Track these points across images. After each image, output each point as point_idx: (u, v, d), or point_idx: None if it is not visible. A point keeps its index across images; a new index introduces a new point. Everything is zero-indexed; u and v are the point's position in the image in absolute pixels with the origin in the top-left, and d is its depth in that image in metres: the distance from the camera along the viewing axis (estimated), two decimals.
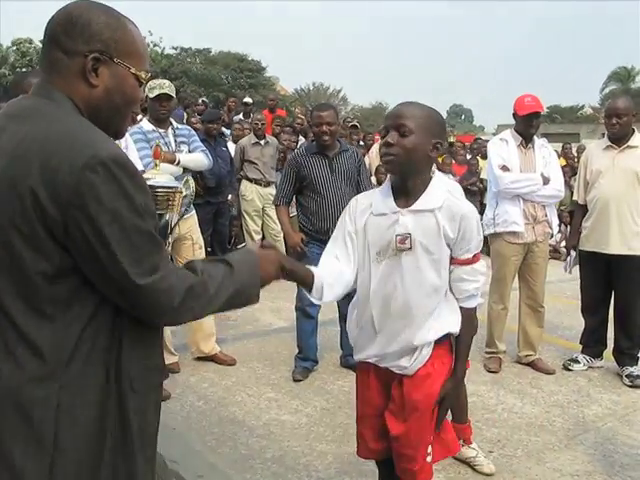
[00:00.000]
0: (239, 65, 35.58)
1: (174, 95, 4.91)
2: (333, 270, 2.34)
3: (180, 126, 5.17)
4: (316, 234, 4.66)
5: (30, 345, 1.44)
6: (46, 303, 1.45)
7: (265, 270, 1.85)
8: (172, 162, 4.72)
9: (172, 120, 5.06)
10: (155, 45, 35.38)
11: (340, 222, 2.45)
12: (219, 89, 33.27)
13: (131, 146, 4.36)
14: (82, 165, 1.39)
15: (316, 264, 4.75)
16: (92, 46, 1.55)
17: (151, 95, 4.77)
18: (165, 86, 4.78)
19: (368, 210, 2.34)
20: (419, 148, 2.21)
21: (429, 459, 2.37)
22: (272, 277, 1.94)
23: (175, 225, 2.02)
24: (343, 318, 4.89)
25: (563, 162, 11.82)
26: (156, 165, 2.06)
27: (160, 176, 1.99)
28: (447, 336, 2.36)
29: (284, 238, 7.29)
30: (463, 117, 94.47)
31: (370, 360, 2.41)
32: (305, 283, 2.24)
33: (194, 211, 5.02)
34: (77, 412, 1.46)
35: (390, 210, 2.29)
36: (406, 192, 2.29)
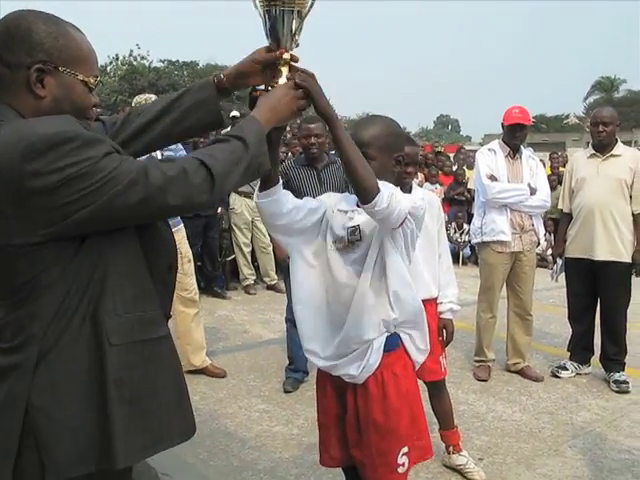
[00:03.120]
0: None
1: None
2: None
3: None
4: None
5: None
6: (18, 276, 1.48)
7: (275, 117, 1.82)
8: None
9: None
10: (143, 58, 35.42)
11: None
12: None
13: None
14: (20, 160, 1.37)
15: None
16: (34, 57, 1.51)
17: None
18: (151, 101, 4.83)
19: (335, 206, 2.42)
20: (383, 170, 2.26)
21: (401, 470, 2.35)
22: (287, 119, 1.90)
23: (298, 28, 1.94)
24: None
25: (549, 171, 11.93)
26: None
27: None
28: (396, 344, 2.36)
29: (274, 251, 7.34)
30: (450, 127, 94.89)
31: (323, 366, 2.41)
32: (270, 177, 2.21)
33: (182, 225, 5.05)
34: (54, 366, 1.49)
35: (350, 208, 2.37)
36: (370, 200, 2.33)
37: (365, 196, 2.07)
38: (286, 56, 1.93)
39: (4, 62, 1.51)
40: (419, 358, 2.46)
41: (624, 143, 5.18)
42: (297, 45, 1.98)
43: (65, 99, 1.56)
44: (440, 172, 11.69)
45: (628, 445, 3.99)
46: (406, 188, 3.19)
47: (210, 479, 3.56)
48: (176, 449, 1.75)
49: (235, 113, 11.56)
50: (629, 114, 42.54)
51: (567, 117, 53.89)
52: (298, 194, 4.69)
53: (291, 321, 4.87)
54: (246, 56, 1.95)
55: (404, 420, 2.36)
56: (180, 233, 4.98)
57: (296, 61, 1.95)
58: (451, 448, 3.68)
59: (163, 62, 36.64)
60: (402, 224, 2.19)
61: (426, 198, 3.44)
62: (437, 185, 11.02)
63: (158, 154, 4.89)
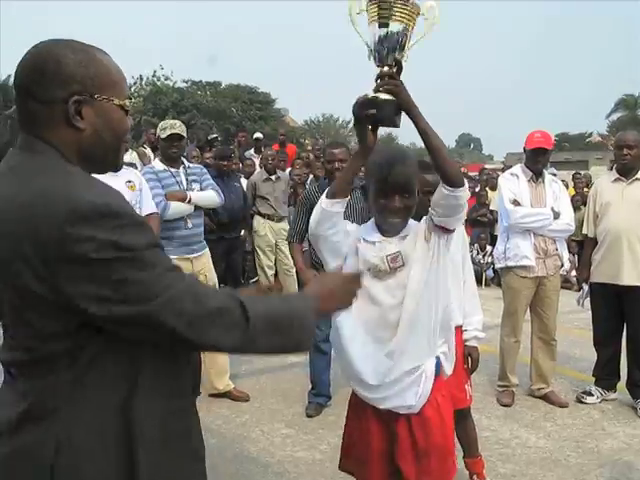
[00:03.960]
0: (249, 97, 35.97)
1: (185, 135, 5.02)
2: None
3: (192, 165, 5.28)
4: None
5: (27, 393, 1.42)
6: (48, 358, 1.40)
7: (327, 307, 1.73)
8: (183, 200, 4.81)
9: (184, 159, 5.16)
10: (167, 78, 35.84)
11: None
12: (230, 121, 33.59)
13: (145, 187, 4.45)
14: (63, 221, 1.30)
15: None
16: (69, 90, 1.44)
17: (163, 135, 4.87)
18: (176, 126, 4.89)
19: (359, 235, 2.46)
20: (420, 205, 2.42)
21: None
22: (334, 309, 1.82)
23: (406, 41, 2.09)
24: None
25: (572, 192, 11.86)
26: None
27: None
28: (439, 366, 2.43)
29: (297, 273, 7.34)
30: (472, 146, 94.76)
31: (372, 398, 2.41)
32: None
33: (207, 248, 5.09)
34: (77, 459, 1.39)
35: (378, 239, 2.42)
36: (393, 232, 2.42)
37: (455, 180, 2.19)
38: (386, 70, 2.10)
39: (38, 99, 1.45)
40: (450, 371, 2.52)
41: None
42: (405, 60, 2.13)
43: (105, 128, 1.51)
44: None
45: None
46: None
47: None
48: None
49: (259, 135, 11.69)
50: None
51: (590, 135, 53.54)
52: None
53: (314, 345, 4.86)
54: None
55: (453, 437, 2.50)
56: (205, 257, 5.03)
57: (396, 76, 2.10)
58: (475, 476, 3.66)
59: (186, 82, 37.05)
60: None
61: None
62: None
63: (183, 179, 4.96)
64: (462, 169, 15.10)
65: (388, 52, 2.08)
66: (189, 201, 4.85)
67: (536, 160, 5.01)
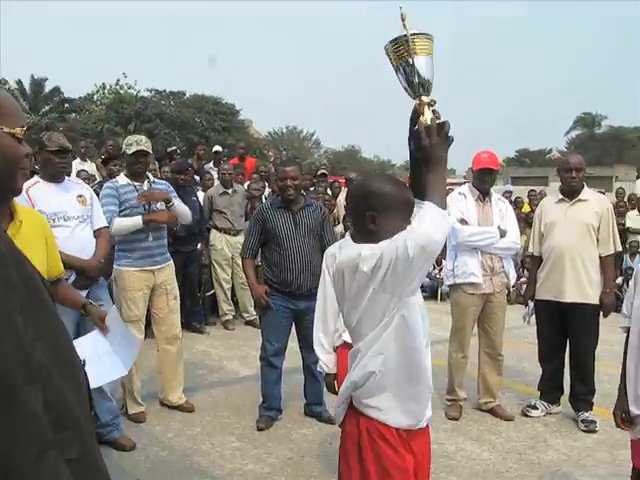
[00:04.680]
0: (213, 108, 35.87)
1: (150, 151, 5.06)
2: None
3: (157, 180, 5.30)
4: (279, 286, 4.79)
5: None
6: None
7: None
8: (168, 201, 4.95)
9: (149, 175, 5.18)
10: (130, 87, 35.63)
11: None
12: (193, 131, 33.49)
13: (96, 202, 4.46)
14: None
15: (280, 315, 4.83)
16: None
17: (129, 151, 4.89)
18: (142, 143, 4.91)
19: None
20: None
21: None
22: None
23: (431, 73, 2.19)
24: (307, 367, 4.98)
25: (527, 208, 12.11)
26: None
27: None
28: None
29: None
30: None
31: (420, 419, 2.38)
32: None
33: (171, 261, 5.13)
34: None
35: None
36: None
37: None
38: (425, 99, 2.18)
39: None
40: None
41: (605, 178, 5.35)
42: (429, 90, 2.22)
43: None
44: None
45: None
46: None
47: None
48: None
49: (218, 148, 11.72)
50: (610, 150, 43.12)
51: (550, 151, 54.52)
52: (273, 236, 4.82)
53: (265, 359, 4.93)
54: None
55: None
56: (169, 269, 5.08)
57: (434, 103, 2.20)
58: None
59: (150, 91, 36.85)
60: None
61: None
62: None
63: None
64: None
65: (421, 88, 2.20)
66: (172, 205, 5.00)
67: (483, 180, 5.17)
